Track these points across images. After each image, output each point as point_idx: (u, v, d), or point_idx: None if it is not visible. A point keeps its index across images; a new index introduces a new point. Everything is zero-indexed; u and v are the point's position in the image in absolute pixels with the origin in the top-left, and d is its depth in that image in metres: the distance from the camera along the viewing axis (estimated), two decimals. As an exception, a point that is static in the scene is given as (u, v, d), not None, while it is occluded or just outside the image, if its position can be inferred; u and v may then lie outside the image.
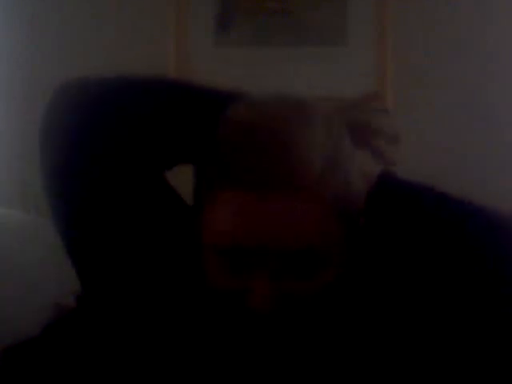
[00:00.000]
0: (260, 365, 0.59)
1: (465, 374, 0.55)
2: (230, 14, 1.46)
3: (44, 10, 1.48)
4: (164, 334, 0.61)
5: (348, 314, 0.60)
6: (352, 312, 0.60)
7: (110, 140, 0.61)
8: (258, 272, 0.54)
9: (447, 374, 0.56)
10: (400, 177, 0.64)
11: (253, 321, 0.55)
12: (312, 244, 0.53)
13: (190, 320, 0.62)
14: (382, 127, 0.63)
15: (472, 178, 1.42)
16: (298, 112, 0.57)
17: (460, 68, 1.45)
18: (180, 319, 0.62)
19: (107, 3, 1.48)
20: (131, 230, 0.60)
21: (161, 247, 0.61)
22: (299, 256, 0.54)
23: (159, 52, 1.47)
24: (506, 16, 1.45)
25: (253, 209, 0.53)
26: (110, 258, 0.61)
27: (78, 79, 0.68)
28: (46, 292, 1.08)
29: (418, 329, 0.57)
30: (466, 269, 0.55)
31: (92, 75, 0.70)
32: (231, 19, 1.46)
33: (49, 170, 0.65)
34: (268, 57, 1.43)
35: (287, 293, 0.54)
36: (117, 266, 0.61)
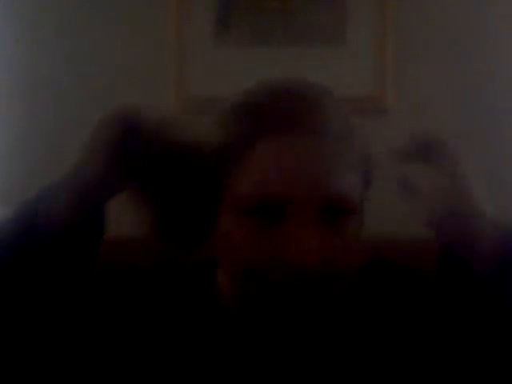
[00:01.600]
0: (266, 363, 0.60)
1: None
2: (229, 14, 1.46)
3: (44, 10, 1.48)
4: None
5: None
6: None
7: None
8: (294, 222, 0.53)
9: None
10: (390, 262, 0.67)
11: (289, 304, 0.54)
12: (344, 191, 0.55)
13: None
14: None
15: (472, 177, 1.42)
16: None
17: (460, 68, 1.45)
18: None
19: (107, 3, 1.48)
20: None
21: None
22: (331, 204, 0.54)
23: (159, 52, 1.47)
24: (506, 16, 1.45)
25: (292, 154, 0.54)
26: None
27: None
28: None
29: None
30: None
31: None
32: (231, 19, 1.46)
33: None
34: (268, 57, 1.43)
35: (328, 241, 0.53)
36: None
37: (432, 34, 1.45)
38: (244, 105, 0.58)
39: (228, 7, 1.46)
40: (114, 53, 1.48)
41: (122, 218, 1.43)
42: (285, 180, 0.54)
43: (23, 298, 0.56)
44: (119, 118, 0.58)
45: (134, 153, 0.57)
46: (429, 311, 0.62)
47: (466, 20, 1.45)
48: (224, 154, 0.56)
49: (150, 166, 0.57)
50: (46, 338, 0.57)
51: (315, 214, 0.54)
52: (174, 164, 0.58)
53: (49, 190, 0.60)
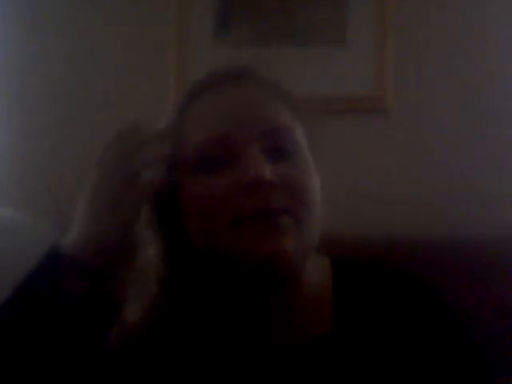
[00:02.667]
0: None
1: None
2: (230, 13, 1.47)
3: (44, 10, 1.48)
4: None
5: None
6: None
7: None
8: (244, 156, 0.56)
9: None
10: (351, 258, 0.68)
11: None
12: (282, 122, 0.59)
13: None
14: None
15: (472, 177, 1.42)
16: None
17: (460, 68, 1.45)
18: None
19: (107, 3, 1.48)
20: None
21: None
22: (273, 136, 0.58)
23: (159, 52, 1.47)
24: (506, 16, 1.44)
25: (227, 100, 0.60)
26: None
27: None
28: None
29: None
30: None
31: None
32: (231, 19, 1.46)
33: None
34: (268, 57, 1.43)
35: (280, 173, 0.56)
36: None
37: (432, 34, 1.45)
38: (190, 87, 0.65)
39: (228, 7, 1.47)
40: (114, 53, 1.48)
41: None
42: (223, 120, 0.58)
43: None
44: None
45: None
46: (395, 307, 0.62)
47: (466, 20, 1.45)
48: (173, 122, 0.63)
49: None
50: None
51: (261, 147, 0.57)
52: None
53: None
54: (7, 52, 1.48)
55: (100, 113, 1.47)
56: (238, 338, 0.62)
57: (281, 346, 0.60)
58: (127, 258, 0.57)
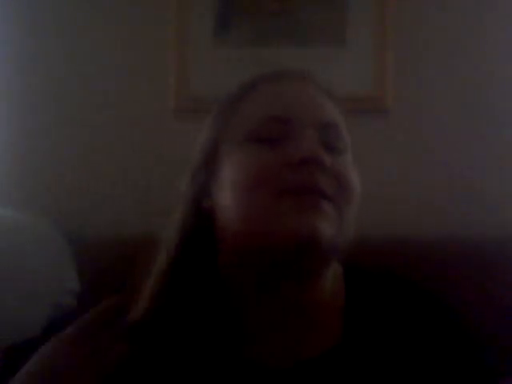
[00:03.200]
0: None
1: None
2: (230, 14, 1.46)
3: (44, 10, 1.48)
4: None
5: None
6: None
7: None
8: (302, 137, 0.57)
9: None
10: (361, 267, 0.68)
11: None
12: (337, 120, 0.62)
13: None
14: None
15: (472, 177, 1.42)
16: None
17: (460, 68, 1.45)
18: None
19: (107, 3, 1.48)
20: None
21: None
22: (329, 129, 0.60)
23: (159, 52, 1.47)
24: (507, 16, 1.45)
25: (288, 90, 0.61)
26: None
27: None
28: (46, 292, 1.08)
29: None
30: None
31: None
32: (231, 19, 1.46)
33: None
34: (268, 57, 1.43)
35: (334, 163, 0.57)
36: None
37: (432, 34, 1.45)
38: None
39: (228, 7, 1.46)
40: (114, 53, 1.48)
41: (122, 217, 1.43)
42: (287, 104, 0.60)
43: None
44: None
45: None
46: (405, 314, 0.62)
47: (466, 20, 1.45)
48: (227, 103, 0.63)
49: None
50: None
51: (317, 136, 0.58)
52: None
53: None
54: (7, 52, 1.48)
55: (100, 113, 1.47)
56: (246, 346, 0.60)
57: (286, 362, 0.59)
58: None
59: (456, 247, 1.26)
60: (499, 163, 1.43)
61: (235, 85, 0.67)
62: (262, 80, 0.63)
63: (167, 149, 1.39)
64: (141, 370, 0.59)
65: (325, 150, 0.57)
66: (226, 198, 0.58)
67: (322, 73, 1.42)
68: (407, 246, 1.25)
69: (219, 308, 0.61)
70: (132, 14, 1.48)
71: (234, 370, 0.59)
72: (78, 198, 1.45)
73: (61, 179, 1.46)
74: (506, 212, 1.41)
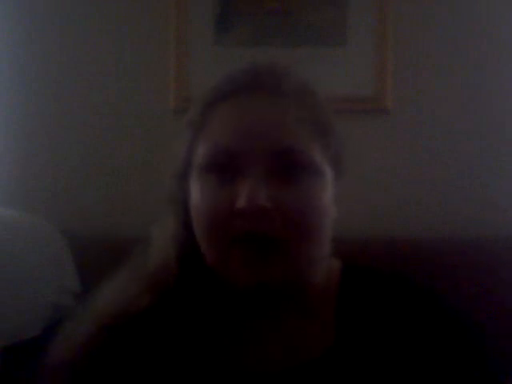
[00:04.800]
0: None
1: None
2: (229, 13, 1.46)
3: (44, 10, 1.48)
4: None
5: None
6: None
7: None
8: (247, 174, 0.55)
9: None
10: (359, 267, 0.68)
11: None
12: (295, 144, 0.57)
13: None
14: None
15: (472, 177, 1.42)
16: None
17: (460, 68, 1.45)
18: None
19: (107, 4, 1.48)
20: None
21: None
22: (282, 157, 0.56)
23: (159, 52, 1.47)
24: (506, 16, 1.44)
25: (243, 112, 0.58)
26: None
27: None
28: (46, 292, 1.08)
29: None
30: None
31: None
32: (231, 19, 1.46)
33: None
34: (268, 57, 1.43)
35: (276, 197, 0.55)
36: None
37: (432, 34, 1.45)
38: (207, 88, 0.64)
39: (228, 7, 1.46)
40: (114, 53, 1.48)
41: (122, 217, 1.43)
42: (235, 133, 0.57)
43: None
44: None
45: None
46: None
47: (467, 20, 1.45)
48: (189, 126, 0.62)
49: None
50: None
51: (268, 167, 0.56)
52: None
53: None
54: (7, 52, 1.48)
55: (100, 113, 1.47)
56: (236, 352, 0.61)
57: (275, 367, 0.59)
58: None
59: (456, 247, 1.26)
60: (499, 163, 1.43)
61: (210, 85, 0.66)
62: (222, 98, 0.60)
63: (167, 149, 1.39)
64: (129, 369, 0.61)
65: (276, 179, 0.56)
66: (194, 225, 0.60)
67: (322, 73, 1.43)
68: (407, 246, 1.25)
69: (216, 311, 0.63)
70: (132, 14, 1.48)
71: (224, 375, 0.60)
72: (78, 198, 1.45)
73: (61, 179, 1.46)
74: (506, 212, 1.41)
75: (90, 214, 1.43)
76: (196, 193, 0.59)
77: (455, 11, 1.45)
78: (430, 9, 1.45)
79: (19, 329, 0.99)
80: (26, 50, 1.48)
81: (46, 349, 0.64)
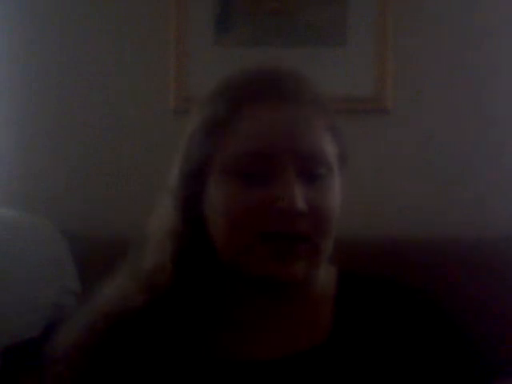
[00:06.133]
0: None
1: None
2: (229, 14, 1.46)
3: (44, 11, 1.48)
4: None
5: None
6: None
7: None
8: (280, 178, 0.58)
9: None
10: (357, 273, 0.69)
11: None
12: (318, 147, 0.61)
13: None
14: None
15: (472, 177, 1.42)
16: None
17: (460, 68, 1.45)
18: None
19: (107, 4, 1.48)
20: None
21: None
22: (309, 161, 0.60)
23: (159, 52, 1.47)
24: (506, 16, 1.44)
25: (272, 117, 0.60)
26: None
27: None
28: (46, 292, 1.08)
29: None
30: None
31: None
32: (231, 19, 1.46)
33: None
34: (268, 57, 1.43)
35: (309, 199, 0.58)
36: None
37: (432, 34, 1.45)
38: (228, 82, 0.66)
39: (228, 7, 1.46)
40: (114, 53, 1.48)
41: (122, 217, 1.43)
42: (267, 137, 0.59)
43: None
44: None
45: None
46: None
47: (467, 20, 1.45)
48: (214, 124, 0.62)
49: None
50: None
51: (297, 170, 0.59)
52: None
53: None
54: (7, 52, 1.48)
55: (100, 113, 1.47)
56: (232, 345, 0.63)
57: (275, 356, 0.61)
58: None
59: (456, 247, 1.26)
60: (499, 163, 1.43)
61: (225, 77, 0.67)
62: (249, 100, 0.62)
63: (167, 149, 1.39)
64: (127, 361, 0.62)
65: (304, 180, 0.59)
66: (213, 221, 0.62)
67: (322, 73, 1.43)
68: (407, 246, 1.25)
69: (215, 303, 0.65)
70: (132, 14, 1.48)
71: (222, 363, 0.62)
72: (78, 198, 1.45)
73: (61, 179, 1.46)
74: (506, 212, 1.41)
75: (90, 214, 1.43)
76: (221, 190, 0.60)
77: (455, 11, 1.45)
78: (430, 9, 1.45)
79: (19, 329, 1.00)
80: (26, 50, 1.48)
81: (46, 349, 0.64)
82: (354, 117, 1.43)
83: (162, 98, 1.45)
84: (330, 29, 1.45)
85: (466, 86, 1.44)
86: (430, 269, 1.18)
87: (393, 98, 1.44)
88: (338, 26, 1.45)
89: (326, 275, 0.66)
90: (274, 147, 0.59)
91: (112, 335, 0.62)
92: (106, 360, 0.62)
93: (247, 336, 0.63)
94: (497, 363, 0.63)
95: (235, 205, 0.59)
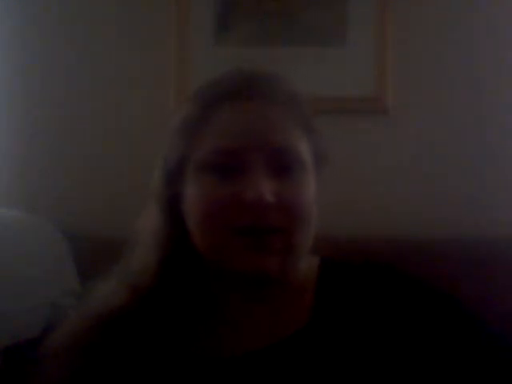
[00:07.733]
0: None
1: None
2: (229, 14, 1.46)
3: (44, 11, 1.48)
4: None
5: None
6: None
7: None
8: (249, 172, 0.59)
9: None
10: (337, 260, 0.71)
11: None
12: (290, 142, 0.62)
13: None
14: None
15: (472, 177, 1.42)
16: None
17: (460, 68, 1.45)
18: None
19: (107, 3, 1.48)
20: None
21: None
22: (279, 155, 0.61)
23: (159, 52, 1.47)
24: (506, 16, 1.44)
25: (243, 115, 0.62)
26: None
27: None
28: (46, 292, 1.08)
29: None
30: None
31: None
32: (231, 19, 1.46)
33: None
34: (268, 57, 1.43)
35: (279, 192, 0.60)
36: None
37: (432, 33, 1.45)
38: (204, 84, 0.67)
39: (228, 7, 1.46)
40: (114, 53, 1.48)
41: (122, 217, 1.43)
42: (236, 134, 0.61)
43: None
44: None
45: None
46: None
47: (467, 20, 1.45)
48: (188, 125, 0.64)
49: None
50: None
51: (266, 165, 0.60)
52: None
53: None
54: (7, 52, 1.48)
55: (100, 113, 1.47)
56: (214, 336, 0.64)
57: (260, 346, 0.62)
58: None
59: (456, 247, 1.26)
60: (499, 163, 1.43)
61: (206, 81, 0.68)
62: (220, 99, 0.63)
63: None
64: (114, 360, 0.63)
65: (275, 174, 0.60)
66: (190, 219, 0.63)
67: (322, 73, 1.43)
68: (406, 246, 1.25)
69: (200, 297, 0.67)
70: (132, 14, 1.48)
71: (207, 360, 0.63)
72: (78, 198, 1.45)
73: (61, 179, 1.46)
74: (506, 212, 1.41)
75: (90, 214, 1.43)
76: (195, 187, 0.62)
77: (455, 11, 1.45)
78: (430, 9, 1.45)
79: (19, 329, 1.00)
80: (26, 50, 1.48)
81: (40, 349, 0.64)
82: (353, 117, 1.43)
83: (162, 97, 1.45)
84: (330, 29, 1.45)
85: (466, 86, 1.44)
86: (430, 269, 1.18)
87: (393, 98, 1.44)
88: (338, 26, 1.45)
89: (308, 265, 0.67)
90: (242, 142, 0.60)
91: (96, 335, 0.63)
92: (91, 359, 0.63)
93: (232, 331, 0.64)
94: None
95: (207, 201, 0.60)
